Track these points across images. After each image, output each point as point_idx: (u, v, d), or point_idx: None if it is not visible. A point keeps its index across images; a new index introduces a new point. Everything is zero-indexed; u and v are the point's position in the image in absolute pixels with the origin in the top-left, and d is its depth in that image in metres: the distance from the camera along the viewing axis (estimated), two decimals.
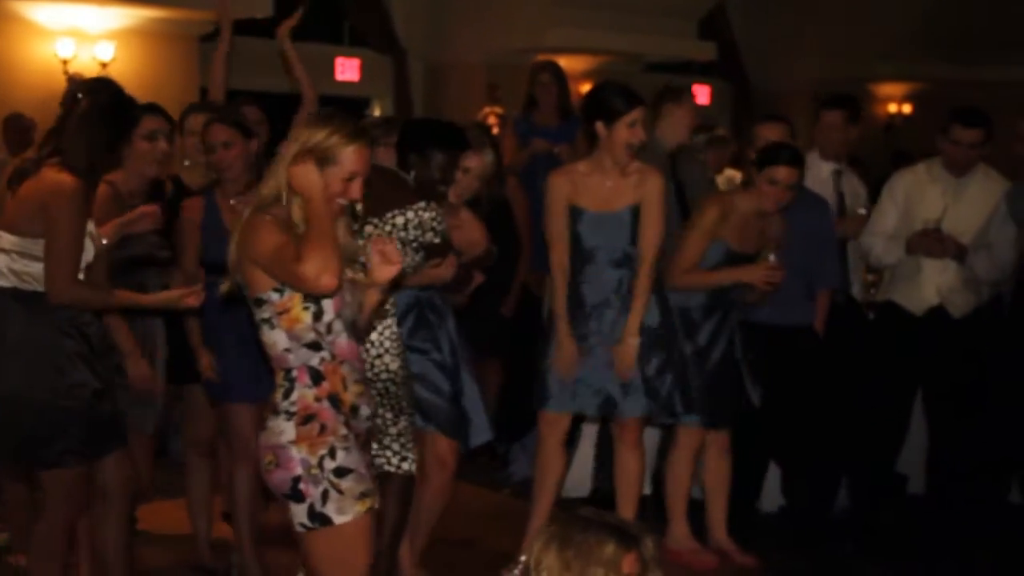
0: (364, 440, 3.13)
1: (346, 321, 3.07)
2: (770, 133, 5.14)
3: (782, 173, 4.67)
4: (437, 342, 4.25)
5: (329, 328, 3.02)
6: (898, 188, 5.26)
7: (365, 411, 3.11)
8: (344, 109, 5.61)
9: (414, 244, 4.04)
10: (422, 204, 4.05)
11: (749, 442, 5.14)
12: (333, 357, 3.03)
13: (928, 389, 5.25)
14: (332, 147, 3.01)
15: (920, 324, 5.02)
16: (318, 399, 3.00)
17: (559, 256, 4.50)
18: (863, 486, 5.34)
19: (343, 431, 3.00)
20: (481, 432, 4.42)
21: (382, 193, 3.86)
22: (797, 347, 5.05)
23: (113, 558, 3.92)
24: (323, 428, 2.98)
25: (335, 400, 3.02)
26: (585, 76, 10.49)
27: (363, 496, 3.00)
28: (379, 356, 3.98)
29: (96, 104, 3.67)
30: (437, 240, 4.10)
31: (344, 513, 2.97)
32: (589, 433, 5.57)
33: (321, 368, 3.01)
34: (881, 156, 10.36)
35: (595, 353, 4.45)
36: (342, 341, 3.04)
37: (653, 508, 5.19)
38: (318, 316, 3.01)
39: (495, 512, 5.43)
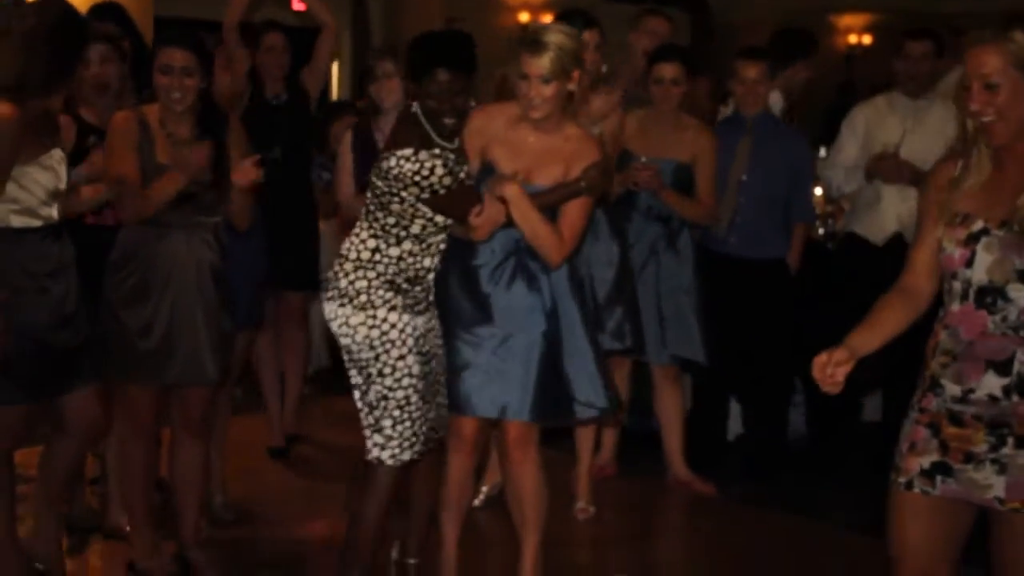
0: None
1: None
2: (749, 72, 5.10)
3: (666, 71, 4.72)
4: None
5: None
6: (858, 119, 5.27)
7: None
8: (301, 38, 5.61)
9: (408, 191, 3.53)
10: (407, 152, 3.50)
11: (713, 374, 5.21)
12: None
13: None
14: None
15: (880, 254, 5.05)
16: None
17: None
18: (821, 415, 5.41)
19: None
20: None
21: (393, 131, 3.67)
22: (767, 280, 5.10)
23: (57, 493, 3.93)
24: None
25: None
26: (546, 7, 10.39)
27: None
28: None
29: (42, 23, 3.57)
30: (439, 190, 3.52)
31: None
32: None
33: None
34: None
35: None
36: None
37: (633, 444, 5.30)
38: None
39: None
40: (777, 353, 5.12)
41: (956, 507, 2.69)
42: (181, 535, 4.21)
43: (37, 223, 3.68)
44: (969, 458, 2.62)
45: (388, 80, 4.56)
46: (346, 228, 5.02)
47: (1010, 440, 2.58)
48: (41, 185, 3.67)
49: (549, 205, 3.67)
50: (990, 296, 2.62)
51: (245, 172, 3.93)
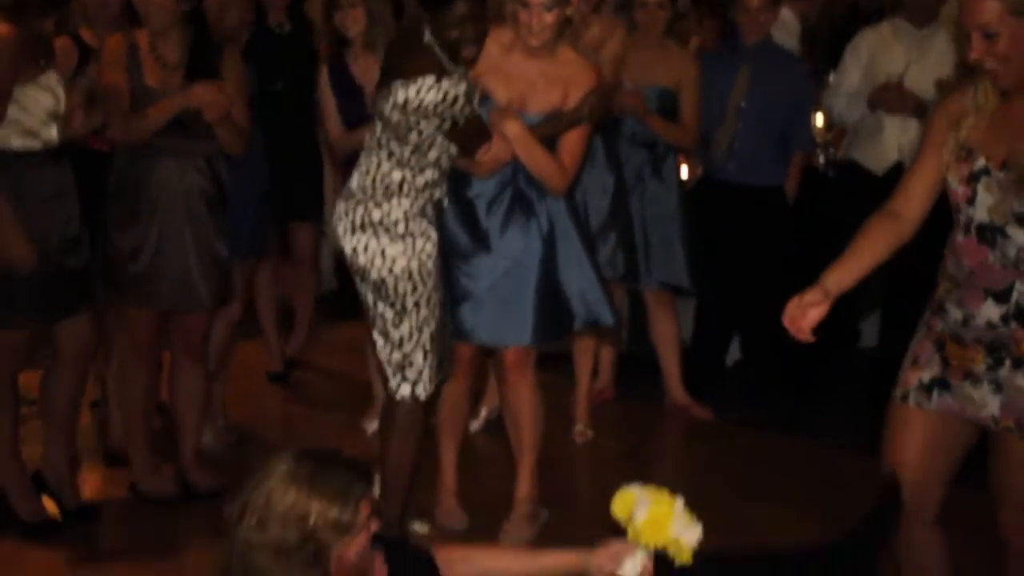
0: None
1: None
2: (752, 1, 5.04)
3: None
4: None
5: None
6: (861, 46, 5.21)
7: None
8: None
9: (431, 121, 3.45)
10: (429, 81, 3.38)
11: (712, 300, 5.24)
12: None
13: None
14: None
15: (880, 183, 5.03)
16: None
17: None
18: (819, 340, 5.42)
19: None
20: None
21: (393, 56, 3.59)
22: (764, 207, 5.11)
23: (60, 418, 3.98)
24: None
25: None
26: None
27: None
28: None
29: None
30: (460, 120, 3.46)
31: None
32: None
33: None
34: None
35: None
36: None
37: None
38: None
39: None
40: (774, 280, 5.13)
41: (951, 424, 2.72)
42: (181, 458, 4.26)
43: (37, 145, 3.69)
44: (968, 376, 2.65)
45: (352, 9, 4.48)
46: (338, 165, 5.02)
47: (1007, 362, 2.61)
48: (41, 106, 3.67)
49: (550, 136, 3.67)
50: (990, 233, 2.64)
51: (199, 95, 3.86)
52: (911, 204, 2.76)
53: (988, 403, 2.63)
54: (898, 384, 2.79)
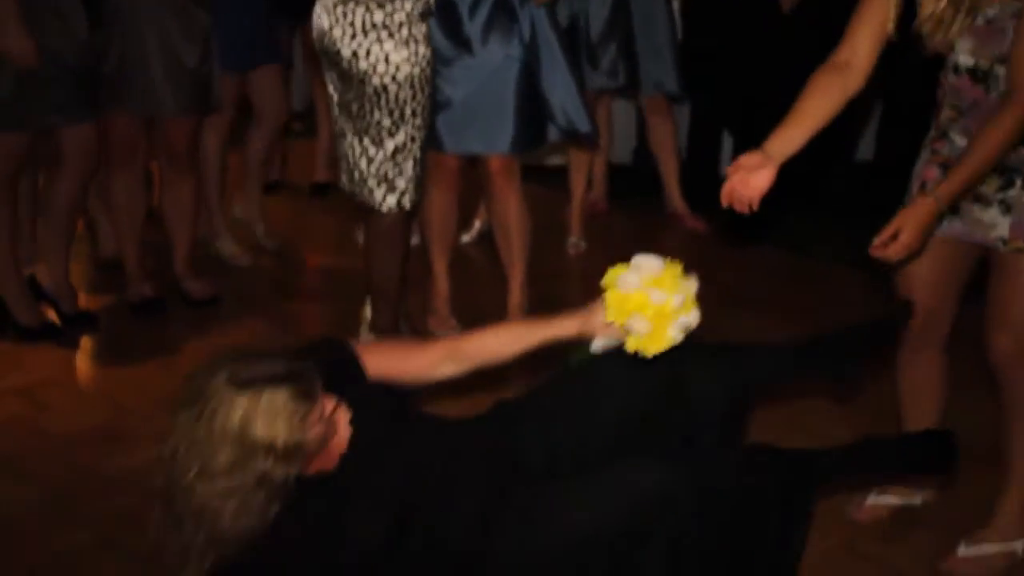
0: None
1: None
2: None
3: None
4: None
5: None
6: None
7: None
8: None
9: None
10: None
11: (706, 107, 5.19)
12: None
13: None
14: None
15: None
16: None
17: None
18: (814, 153, 5.39)
19: None
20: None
21: None
22: (756, 9, 4.99)
23: (60, 225, 3.99)
24: None
25: None
26: None
27: None
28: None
29: None
30: None
31: None
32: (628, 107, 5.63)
33: None
34: None
35: None
36: None
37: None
38: None
39: None
40: (767, 86, 5.06)
41: (958, 249, 2.70)
42: (175, 267, 4.29)
43: None
44: (977, 198, 2.60)
45: None
46: None
47: (1018, 182, 2.56)
48: None
49: None
50: (980, 74, 2.55)
51: None
52: (859, 53, 2.58)
53: (997, 224, 2.59)
54: None
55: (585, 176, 4.98)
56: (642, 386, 2.34)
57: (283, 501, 2.08)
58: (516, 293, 3.96)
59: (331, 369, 2.18)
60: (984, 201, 2.60)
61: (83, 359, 3.91)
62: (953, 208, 2.59)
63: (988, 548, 2.79)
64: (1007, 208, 2.58)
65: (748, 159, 2.47)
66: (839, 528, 2.93)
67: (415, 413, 2.38)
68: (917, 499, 3.01)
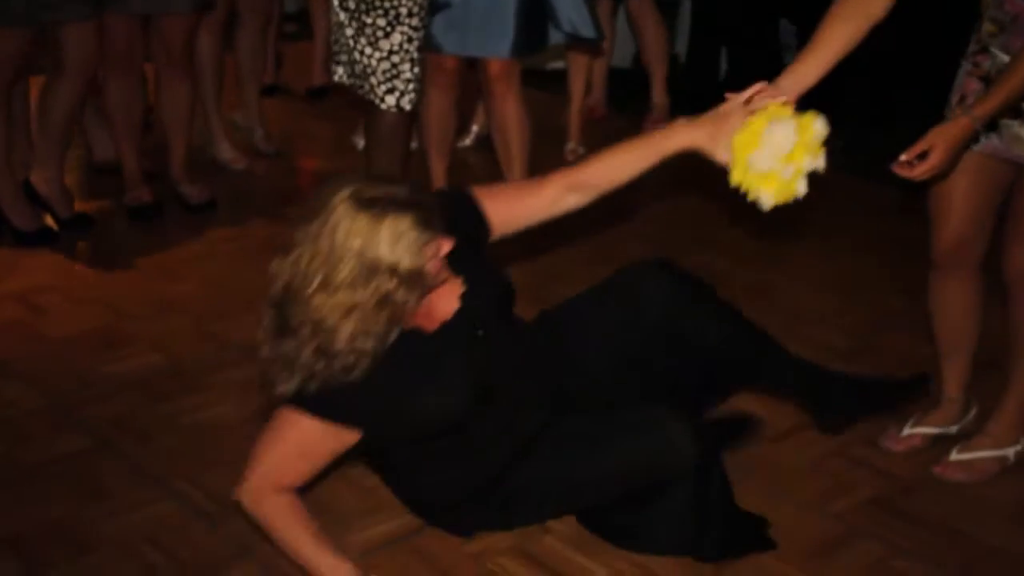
0: None
1: None
2: None
3: None
4: None
5: None
6: None
7: None
8: None
9: None
10: None
11: (705, 11, 5.13)
12: None
13: None
14: None
15: None
16: None
17: None
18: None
19: None
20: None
21: None
22: None
23: (56, 131, 3.95)
24: None
25: None
26: None
27: None
28: None
29: None
30: None
31: None
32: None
33: None
34: None
35: None
36: None
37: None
38: None
39: None
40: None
41: (994, 165, 2.62)
42: (171, 170, 4.26)
43: None
44: (1017, 113, 2.52)
45: None
46: None
47: None
48: None
49: None
50: None
51: None
52: None
53: None
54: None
55: (584, 81, 4.94)
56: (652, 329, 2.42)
57: (386, 345, 2.15)
58: None
59: (455, 226, 2.21)
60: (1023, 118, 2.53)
61: (80, 264, 3.90)
62: (991, 124, 2.51)
63: (981, 453, 2.81)
64: None
65: (761, 90, 2.34)
66: (832, 435, 2.95)
67: (511, 310, 2.45)
68: (953, 428, 2.94)
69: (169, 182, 4.28)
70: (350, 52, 3.49)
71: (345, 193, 2.08)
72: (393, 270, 2.07)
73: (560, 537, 2.51)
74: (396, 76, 3.46)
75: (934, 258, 2.78)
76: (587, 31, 3.78)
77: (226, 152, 4.70)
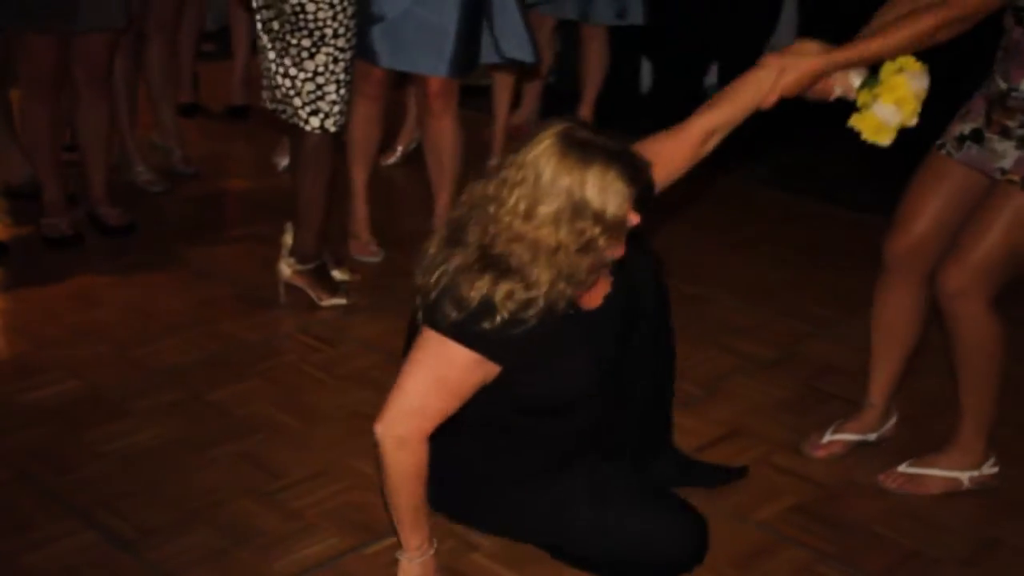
0: None
1: None
2: None
3: None
4: None
5: None
6: None
7: None
8: None
9: None
10: None
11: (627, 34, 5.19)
12: None
13: None
14: None
15: None
16: None
17: None
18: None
19: None
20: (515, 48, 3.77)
21: None
22: None
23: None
24: None
25: None
26: None
27: None
28: None
29: None
30: None
31: None
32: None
33: None
34: None
35: None
36: None
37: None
38: None
39: None
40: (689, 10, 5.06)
41: (971, 178, 2.65)
42: (90, 192, 4.20)
43: None
44: (1003, 131, 2.57)
45: None
46: None
47: None
48: None
49: None
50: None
51: None
52: None
53: (1006, 156, 2.56)
54: (943, 134, 2.71)
55: (510, 97, 4.95)
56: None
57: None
58: (442, 216, 3.94)
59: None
60: (1006, 133, 2.57)
61: None
62: (978, 136, 2.59)
63: (932, 471, 2.79)
64: (1020, 143, 2.55)
65: (804, 44, 2.47)
66: (757, 444, 2.98)
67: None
68: (871, 436, 2.97)
69: (88, 204, 4.21)
70: (271, 77, 3.46)
71: (556, 129, 2.07)
72: (599, 216, 2.05)
73: (487, 554, 2.51)
74: (320, 98, 3.43)
75: (886, 260, 2.79)
76: (527, 56, 3.78)
77: (143, 174, 4.64)
